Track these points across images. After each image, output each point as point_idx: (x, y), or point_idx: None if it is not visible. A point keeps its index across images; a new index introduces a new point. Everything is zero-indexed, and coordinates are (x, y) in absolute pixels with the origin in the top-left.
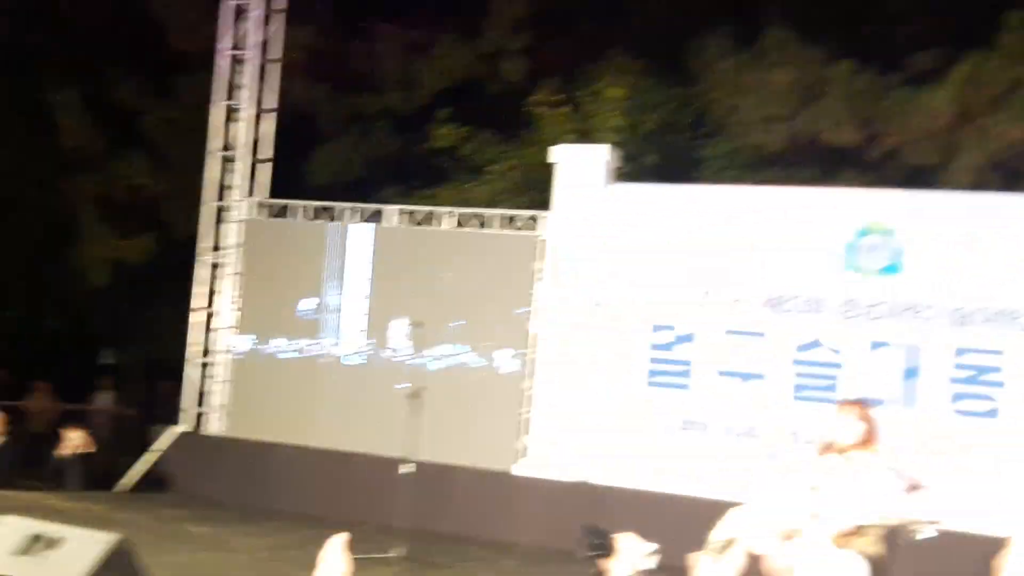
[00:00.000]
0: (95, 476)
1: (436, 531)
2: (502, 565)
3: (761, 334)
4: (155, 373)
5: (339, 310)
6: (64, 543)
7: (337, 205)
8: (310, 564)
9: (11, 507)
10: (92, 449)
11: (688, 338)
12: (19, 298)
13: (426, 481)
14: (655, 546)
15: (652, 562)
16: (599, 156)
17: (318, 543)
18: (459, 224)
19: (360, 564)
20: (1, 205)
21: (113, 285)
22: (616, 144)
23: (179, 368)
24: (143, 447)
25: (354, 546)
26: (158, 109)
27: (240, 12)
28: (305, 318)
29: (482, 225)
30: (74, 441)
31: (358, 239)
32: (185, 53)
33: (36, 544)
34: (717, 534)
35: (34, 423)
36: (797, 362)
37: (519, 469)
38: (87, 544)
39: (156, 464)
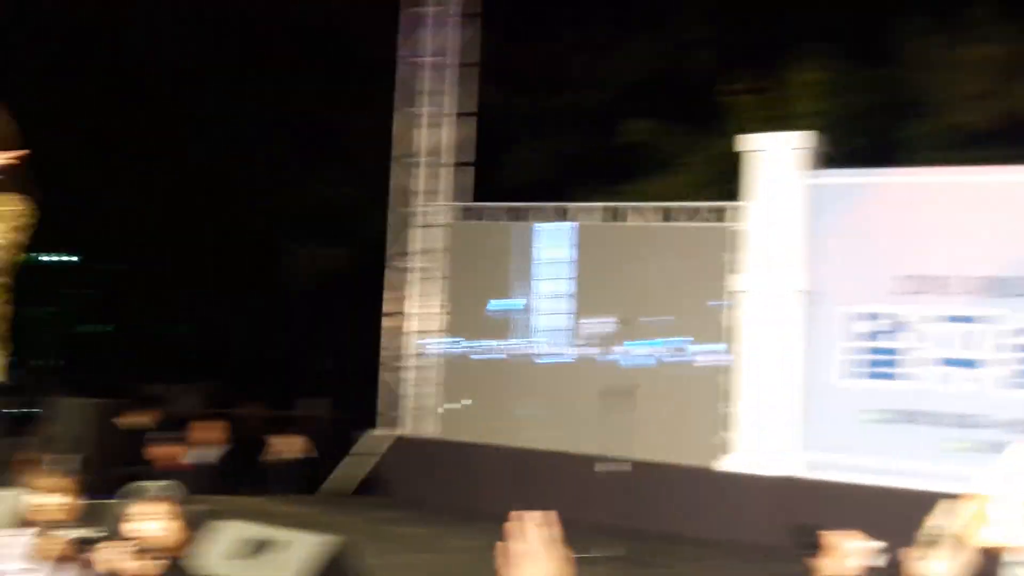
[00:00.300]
0: (309, 480)
1: (644, 529)
2: (720, 565)
3: (976, 319)
4: (356, 378)
5: (541, 309)
6: (288, 546)
7: (534, 205)
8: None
9: (233, 512)
10: (306, 454)
11: (898, 326)
12: (227, 309)
13: (631, 478)
14: (880, 544)
15: (879, 560)
16: (797, 143)
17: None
18: (656, 218)
19: (576, 563)
20: (202, 220)
21: (312, 293)
22: (813, 130)
23: (372, 373)
24: (344, 451)
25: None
26: (350, 119)
27: (427, 19)
28: (509, 319)
29: (673, 218)
30: (288, 447)
31: (557, 238)
32: (369, 63)
33: (261, 547)
34: (935, 526)
35: (245, 430)
36: (1019, 348)
37: (725, 464)
38: (310, 547)
39: (364, 467)
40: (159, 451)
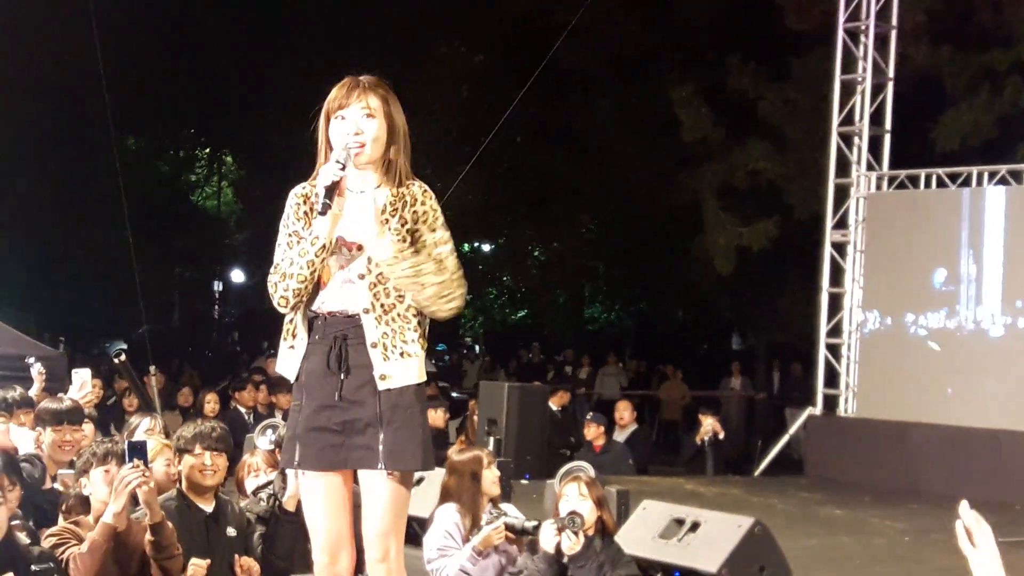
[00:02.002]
0: (729, 460)
1: None
2: None
3: None
4: (783, 356)
5: (974, 280)
6: (703, 526)
7: (967, 169)
8: (955, 548)
9: (649, 492)
10: (722, 434)
11: None
12: (647, 292)
13: None
14: None
15: None
16: None
17: None
18: None
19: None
20: (624, 203)
21: (737, 271)
22: None
23: (807, 351)
24: (775, 430)
25: (1004, 530)
26: (774, 92)
27: None
28: (936, 291)
29: None
30: (707, 426)
31: (992, 203)
32: (799, 33)
33: (678, 528)
34: None
35: (666, 411)
36: None
37: None
38: (726, 527)
39: (789, 447)
40: (586, 432)
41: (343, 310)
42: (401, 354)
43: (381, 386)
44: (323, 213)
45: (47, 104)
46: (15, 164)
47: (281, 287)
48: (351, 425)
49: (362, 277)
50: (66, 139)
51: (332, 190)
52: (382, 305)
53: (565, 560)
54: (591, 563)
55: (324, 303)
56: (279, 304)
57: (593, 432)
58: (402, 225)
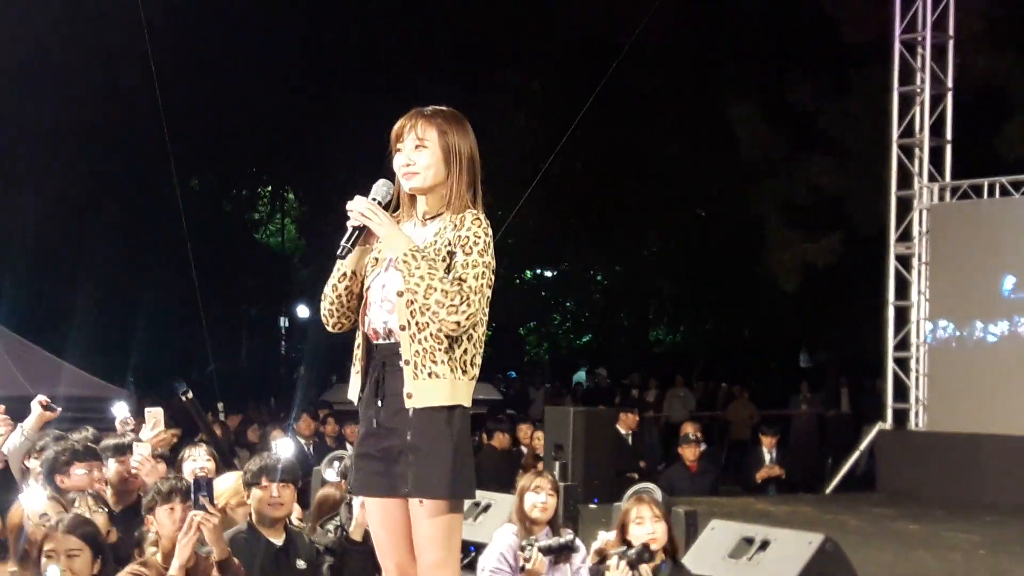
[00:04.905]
0: (799, 479)
1: None
2: None
3: None
4: (852, 372)
5: None
6: (773, 545)
7: None
8: None
9: (719, 512)
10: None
11: None
12: (712, 311)
13: None
14: None
15: None
16: None
17: None
18: None
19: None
20: (687, 223)
21: (803, 288)
22: None
23: (876, 365)
24: (847, 447)
25: None
26: (835, 105)
27: None
28: (1006, 299)
29: None
30: (774, 444)
31: None
32: (858, 45)
33: (748, 547)
34: None
35: (735, 431)
36: None
37: None
38: (796, 545)
39: (860, 463)
40: (682, 453)
41: (384, 327)
42: (430, 374)
43: (407, 404)
44: (342, 257)
45: (110, 149)
46: (81, 209)
47: (322, 307)
48: (388, 452)
49: (400, 295)
50: (130, 183)
51: (360, 231)
52: (416, 324)
53: None
54: None
55: (370, 321)
56: (324, 322)
57: (691, 453)
58: (444, 247)
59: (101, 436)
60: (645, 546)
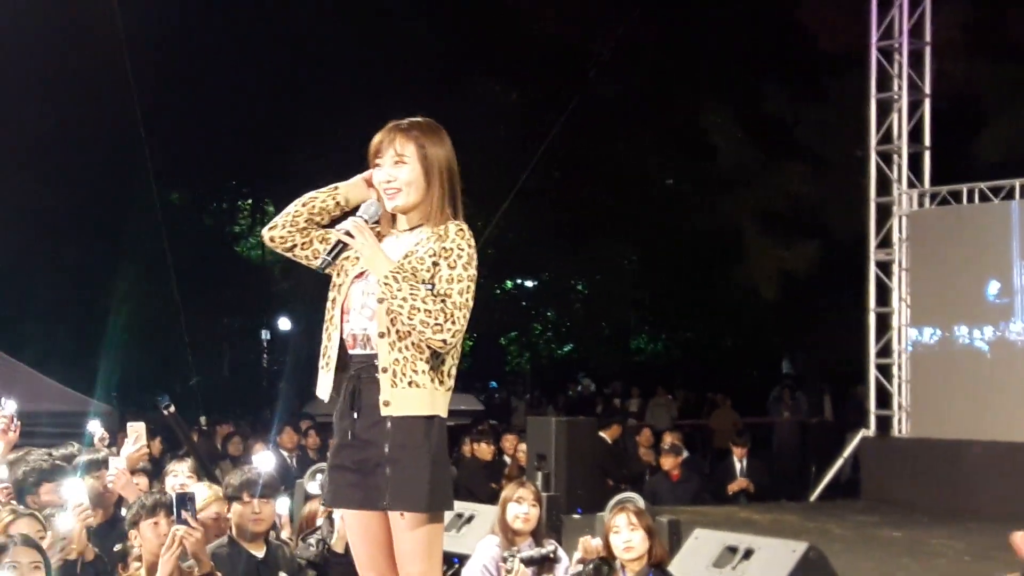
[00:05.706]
0: (781, 486)
1: None
2: None
3: None
4: (832, 379)
5: (1021, 292)
6: (757, 553)
7: (1010, 182)
8: (1017, 566)
9: (702, 521)
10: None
11: None
12: (693, 320)
13: None
14: None
15: None
16: None
17: None
18: None
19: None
20: (665, 232)
21: (783, 296)
22: None
23: (858, 372)
24: (830, 454)
25: None
26: (812, 113)
27: (887, 2)
28: (990, 304)
29: None
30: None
31: None
32: (834, 53)
33: (732, 556)
34: None
35: (718, 439)
36: None
37: None
38: (780, 553)
39: (844, 470)
40: (663, 463)
41: (363, 333)
42: (409, 383)
43: (384, 412)
44: (322, 269)
45: (90, 162)
46: (61, 223)
47: (274, 220)
48: (364, 464)
49: (381, 301)
50: (110, 196)
51: (344, 246)
52: (397, 331)
53: None
54: None
55: (349, 326)
56: (266, 231)
57: (670, 463)
58: (428, 257)
59: (85, 451)
60: (603, 559)
